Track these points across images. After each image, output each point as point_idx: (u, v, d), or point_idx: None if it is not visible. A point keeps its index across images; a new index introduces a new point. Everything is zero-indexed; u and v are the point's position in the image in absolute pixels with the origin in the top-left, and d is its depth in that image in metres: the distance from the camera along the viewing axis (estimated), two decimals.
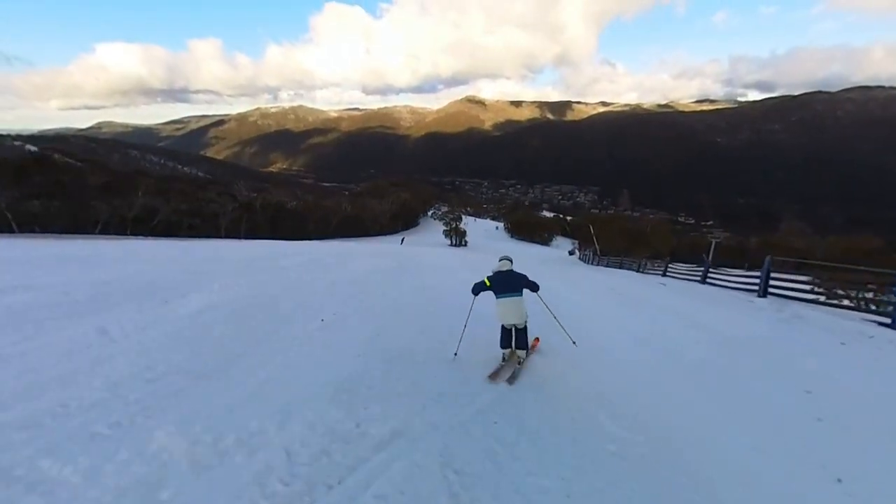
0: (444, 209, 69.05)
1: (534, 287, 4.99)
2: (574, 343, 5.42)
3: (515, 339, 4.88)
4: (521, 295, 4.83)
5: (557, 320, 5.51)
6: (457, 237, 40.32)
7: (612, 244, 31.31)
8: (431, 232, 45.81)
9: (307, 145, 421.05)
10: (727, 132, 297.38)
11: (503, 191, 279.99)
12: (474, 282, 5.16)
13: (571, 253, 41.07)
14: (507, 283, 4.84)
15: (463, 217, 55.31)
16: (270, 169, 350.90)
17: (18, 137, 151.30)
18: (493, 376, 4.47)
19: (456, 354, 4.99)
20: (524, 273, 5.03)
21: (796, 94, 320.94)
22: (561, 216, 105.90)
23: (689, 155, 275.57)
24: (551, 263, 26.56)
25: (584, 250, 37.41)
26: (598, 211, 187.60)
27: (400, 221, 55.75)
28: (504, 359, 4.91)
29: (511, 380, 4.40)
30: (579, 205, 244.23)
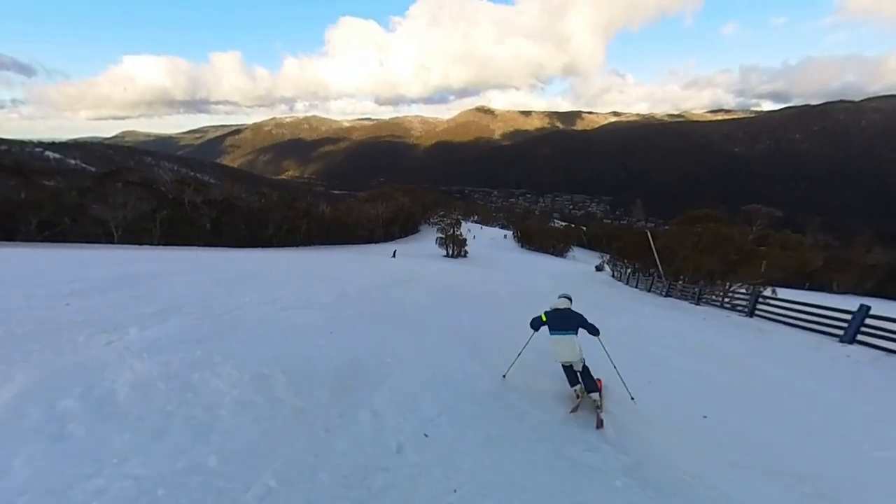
0: (441, 213, 61.85)
1: (593, 330, 4.79)
2: (632, 398, 4.98)
3: (583, 380, 4.75)
4: (576, 334, 4.71)
5: (616, 369, 5.05)
6: (454, 247, 33.44)
7: (692, 264, 20.44)
8: (431, 241, 39.71)
9: (319, 154, 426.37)
10: (744, 142, 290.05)
11: (512, 200, 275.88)
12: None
13: (599, 269, 34.05)
14: (563, 320, 4.76)
15: (463, 223, 48.92)
16: (282, 177, 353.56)
17: (40, 144, 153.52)
18: (574, 410, 4.59)
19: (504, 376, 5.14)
20: (580, 313, 4.81)
21: (815, 103, 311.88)
22: (572, 225, 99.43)
23: (704, 165, 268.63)
24: (573, 284, 20.32)
25: (621, 267, 29.50)
26: (609, 221, 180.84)
27: (396, 228, 49.81)
28: (578, 395, 4.80)
29: (598, 425, 4.26)
30: (591, 214, 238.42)
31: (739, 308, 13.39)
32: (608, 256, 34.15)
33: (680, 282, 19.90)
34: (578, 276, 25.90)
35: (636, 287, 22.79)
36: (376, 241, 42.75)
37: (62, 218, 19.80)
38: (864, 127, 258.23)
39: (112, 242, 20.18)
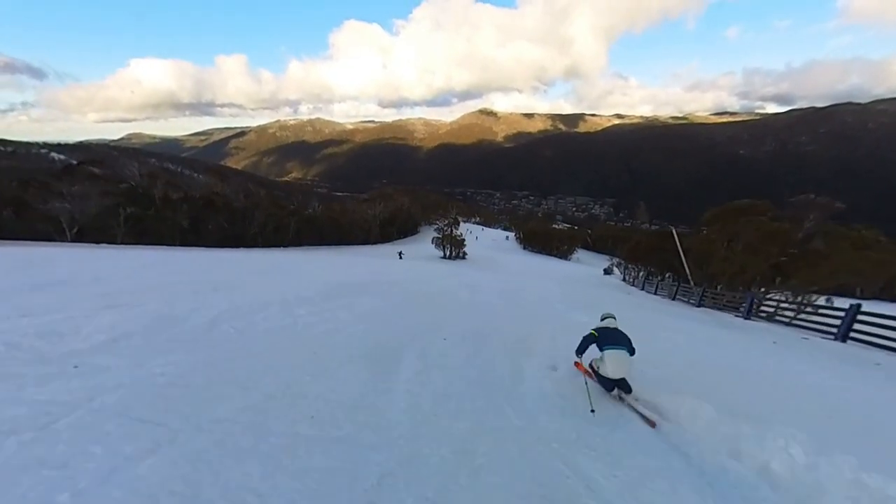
0: (439, 212, 59.21)
1: (632, 351, 4.71)
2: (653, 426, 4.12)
3: (619, 388, 4.64)
4: (631, 354, 4.65)
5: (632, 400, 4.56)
6: (452, 248, 31.48)
7: (735, 267, 16.97)
8: (430, 243, 38.04)
9: (322, 156, 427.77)
10: (750, 144, 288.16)
11: (515, 202, 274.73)
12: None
13: (608, 272, 31.88)
14: (615, 338, 4.73)
15: (463, 223, 47.34)
16: (286, 178, 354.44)
17: (45, 146, 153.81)
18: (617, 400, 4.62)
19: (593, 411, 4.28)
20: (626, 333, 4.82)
21: (821, 105, 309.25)
22: (575, 227, 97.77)
23: (709, 167, 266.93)
24: (582, 290, 18.65)
25: (633, 270, 27.21)
26: (613, 223, 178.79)
27: (394, 229, 48.29)
28: (618, 398, 4.69)
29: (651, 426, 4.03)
30: (594, 217, 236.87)
31: (816, 327, 10.40)
32: (616, 259, 32.44)
33: (716, 288, 16.83)
34: (586, 281, 24.01)
35: (655, 293, 20.42)
36: (372, 243, 41.21)
37: None
38: (872, 129, 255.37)
39: (65, 241, 18.66)
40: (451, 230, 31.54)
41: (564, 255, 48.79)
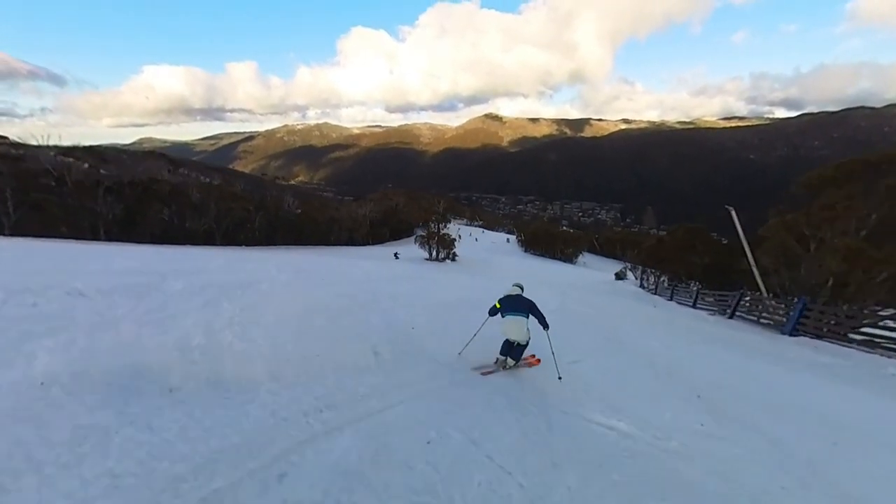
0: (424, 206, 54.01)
1: (542, 321, 5.26)
2: (560, 378, 5.06)
3: (512, 351, 5.28)
4: (526, 317, 5.17)
5: (554, 356, 5.20)
6: (439, 248, 27.13)
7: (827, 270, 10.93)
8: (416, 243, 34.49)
9: (328, 160, 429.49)
10: (760, 149, 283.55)
11: (521, 207, 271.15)
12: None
13: (621, 277, 28.28)
14: (514, 305, 5.26)
15: (458, 225, 43.88)
16: (292, 182, 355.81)
17: (56, 148, 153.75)
18: (484, 373, 5.12)
19: (460, 353, 5.46)
20: (533, 301, 5.31)
21: (832, 110, 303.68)
22: (581, 232, 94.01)
23: (718, 172, 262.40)
24: (596, 301, 14.93)
25: (652, 275, 22.91)
26: (620, 229, 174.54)
27: (387, 230, 44.89)
28: (496, 361, 5.37)
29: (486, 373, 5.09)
30: (601, 222, 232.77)
31: None
32: (628, 263, 28.78)
33: (819, 302, 10.47)
34: (595, 288, 20.18)
35: (694, 307, 15.49)
36: (358, 244, 37.93)
37: None
38: (887, 133, 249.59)
39: None
40: (438, 227, 27.96)
41: (569, 258, 45.29)
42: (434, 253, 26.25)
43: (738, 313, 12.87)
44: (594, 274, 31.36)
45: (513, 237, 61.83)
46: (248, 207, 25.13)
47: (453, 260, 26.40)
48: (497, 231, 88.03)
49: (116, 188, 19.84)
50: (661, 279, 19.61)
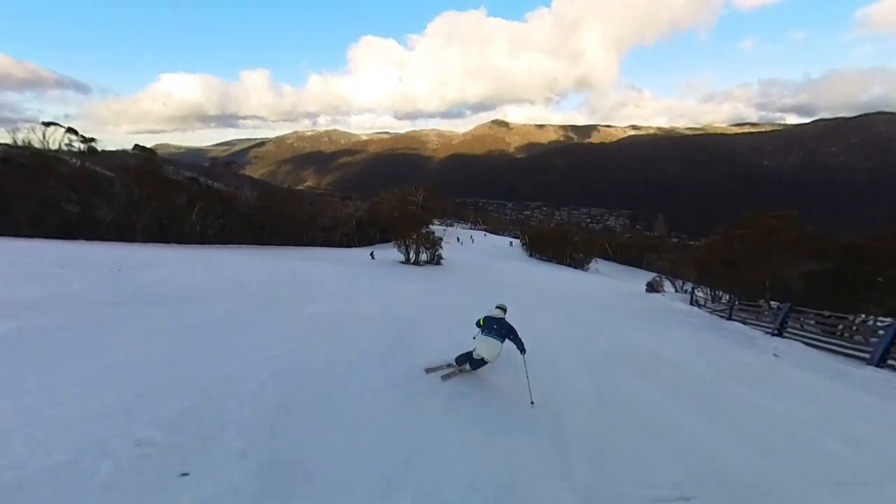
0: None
1: (520, 345, 5.33)
2: (532, 403, 4.97)
3: (475, 363, 5.44)
4: (502, 342, 5.29)
5: (528, 380, 5.14)
6: (418, 249, 22.13)
7: None
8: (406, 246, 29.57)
9: (336, 165, 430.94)
10: (774, 155, 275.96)
11: (528, 212, 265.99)
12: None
13: (654, 289, 23.04)
14: (493, 328, 5.35)
15: (452, 226, 39.03)
16: (301, 186, 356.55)
17: (70, 153, 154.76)
18: (445, 377, 5.48)
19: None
20: (514, 327, 5.34)
21: (846, 115, 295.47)
22: (594, 233, 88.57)
23: (730, 178, 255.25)
24: (628, 335, 9.83)
25: (710, 291, 16.78)
26: (629, 236, 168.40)
27: (376, 230, 40.35)
28: (458, 369, 5.64)
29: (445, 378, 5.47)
30: (610, 228, 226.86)
31: None
32: (659, 274, 23.47)
33: None
34: (629, 306, 15.22)
35: (827, 345, 9.30)
36: (336, 245, 33.36)
37: None
38: None
39: None
40: (416, 221, 22.89)
41: (580, 264, 40.35)
42: (412, 255, 21.11)
43: None
44: (613, 283, 25.89)
45: (517, 241, 57.06)
46: (168, 194, 20.21)
47: (438, 263, 21.38)
48: (502, 235, 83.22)
49: None
50: (732, 297, 13.66)
